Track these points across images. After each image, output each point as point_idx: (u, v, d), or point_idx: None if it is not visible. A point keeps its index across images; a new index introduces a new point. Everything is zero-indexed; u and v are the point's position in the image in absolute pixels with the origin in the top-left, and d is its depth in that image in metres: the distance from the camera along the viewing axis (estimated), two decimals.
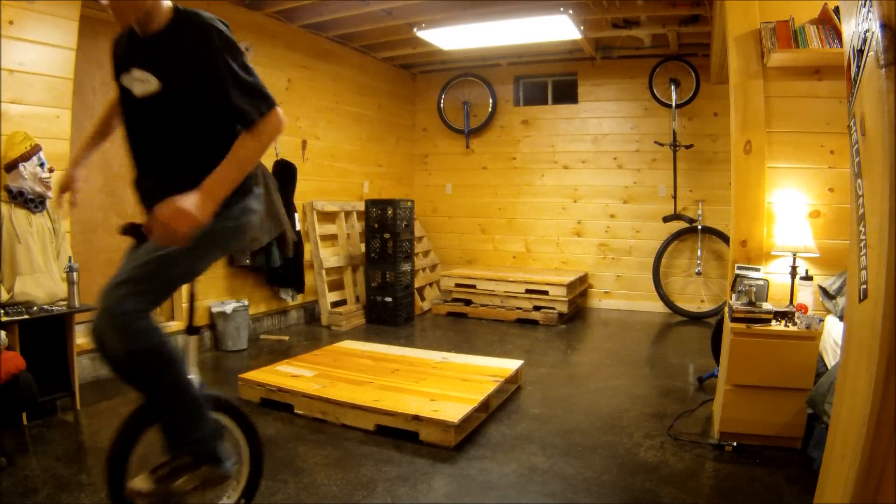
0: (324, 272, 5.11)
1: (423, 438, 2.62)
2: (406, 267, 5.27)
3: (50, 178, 2.94)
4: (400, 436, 2.67)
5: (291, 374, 3.23)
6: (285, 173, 4.78)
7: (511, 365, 3.45)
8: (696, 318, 5.50)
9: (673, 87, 5.55)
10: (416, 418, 2.64)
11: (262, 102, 1.55)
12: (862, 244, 1.23)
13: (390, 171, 6.52)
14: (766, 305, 2.67)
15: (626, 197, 6.01)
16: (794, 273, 2.83)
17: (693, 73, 5.54)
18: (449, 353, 3.78)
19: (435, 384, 3.09)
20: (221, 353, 4.14)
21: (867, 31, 1.16)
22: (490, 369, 3.37)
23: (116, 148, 3.84)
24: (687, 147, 5.56)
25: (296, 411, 2.95)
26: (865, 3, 1.16)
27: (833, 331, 2.56)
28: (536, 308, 5.32)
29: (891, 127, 1.07)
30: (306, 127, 5.20)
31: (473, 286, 5.63)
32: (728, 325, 2.68)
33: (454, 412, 2.65)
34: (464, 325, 5.24)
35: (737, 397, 2.58)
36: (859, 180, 1.27)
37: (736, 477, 2.33)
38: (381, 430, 2.73)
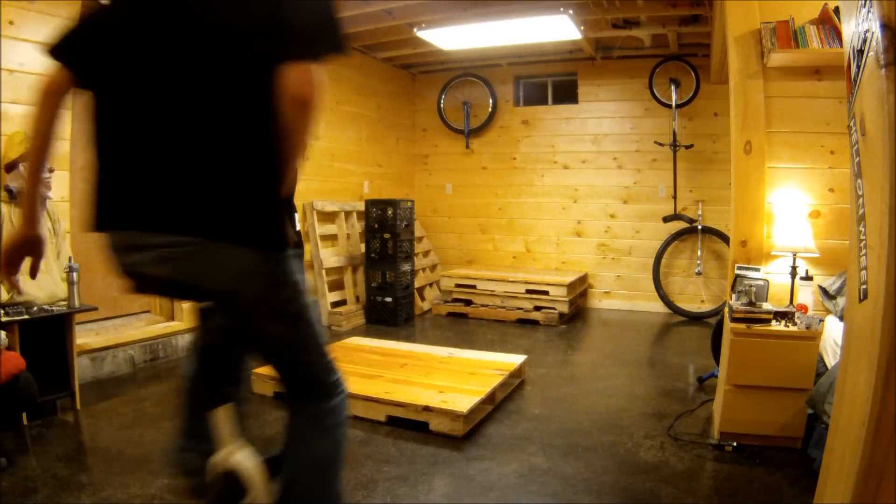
0: (324, 272, 5.11)
1: (434, 428, 2.71)
2: (406, 267, 5.27)
3: (50, 177, 2.94)
4: (410, 426, 2.75)
5: None
6: None
7: (515, 360, 3.51)
8: (696, 318, 5.50)
9: (673, 87, 5.54)
10: (427, 409, 2.73)
11: None
12: (862, 244, 1.23)
13: (390, 171, 6.52)
14: (766, 305, 2.67)
15: (626, 197, 6.01)
16: (794, 273, 2.83)
17: (693, 73, 5.54)
18: (454, 349, 3.83)
19: (443, 377, 3.17)
20: None
21: (867, 31, 1.16)
22: (495, 363, 3.43)
23: None
24: (687, 147, 5.56)
25: None
26: (865, 3, 1.16)
27: (833, 331, 2.56)
28: (537, 308, 5.32)
29: (891, 127, 1.07)
30: None
31: (474, 286, 5.62)
32: (728, 325, 2.68)
33: (463, 403, 2.75)
34: (464, 326, 5.24)
35: (737, 397, 2.58)
36: (859, 180, 1.27)
37: (736, 477, 2.33)
38: (392, 421, 2.81)
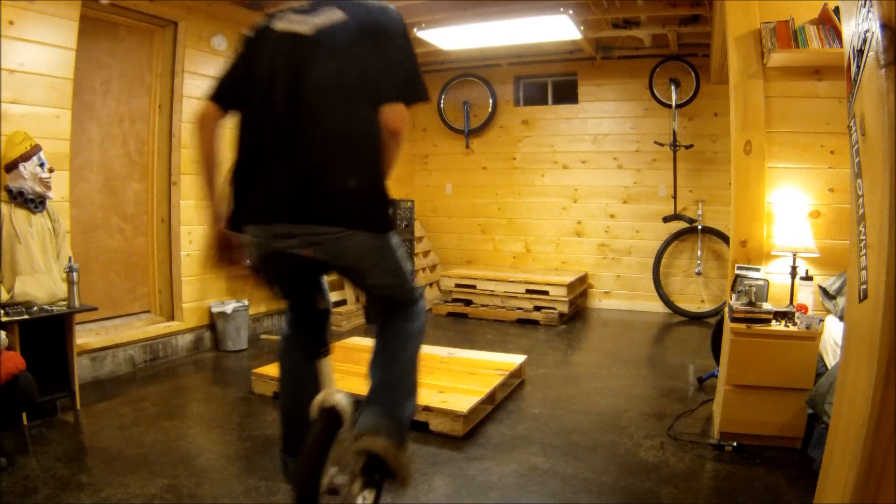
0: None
1: (434, 428, 2.72)
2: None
3: (50, 178, 2.94)
4: (410, 426, 2.71)
5: None
6: None
7: (515, 360, 3.51)
8: (696, 318, 5.50)
9: (673, 87, 5.54)
10: (427, 409, 2.73)
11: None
12: (862, 244, 1.23)
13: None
14: (766, 305, 2.67)
15: (626, 197, 6.01)
16: (794, 273, 2.83)
17: (693, 73, 5.54)
18: (454, 349, 3.82)
19: (443, 377, 3.17)
20: (221, 353, 4.15)
21: (867, 31, 1.16)
22: (495, 363, 3.43)
23: (117, 147, 3.86)
24: (687, 147, 5.56)
25: None
26: (865, 3, 1.16)
27: (833, 331, 2.57)
28: (537, 308, 5.32)
29: (891, 127, 1.07)
30: None
31: (474, 286, 5.62)
32: (728, 325, 2.68)
33: (463, 403, 2.76)
34: (464, 326, 5.24)
35: (737, 397, 2.58)
36: (859, 180, 1.27)
37: (736, 477, 2.33)
38: None
